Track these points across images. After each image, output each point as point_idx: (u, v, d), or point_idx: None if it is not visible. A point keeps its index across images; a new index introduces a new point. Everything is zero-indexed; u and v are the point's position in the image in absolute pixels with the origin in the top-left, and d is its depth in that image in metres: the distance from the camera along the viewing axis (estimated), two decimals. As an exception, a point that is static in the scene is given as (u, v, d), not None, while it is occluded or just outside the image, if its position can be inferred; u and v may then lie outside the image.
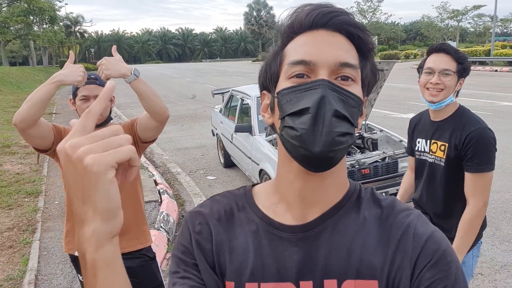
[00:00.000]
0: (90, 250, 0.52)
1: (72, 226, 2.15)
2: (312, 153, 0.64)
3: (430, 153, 2.05)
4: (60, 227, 4.71)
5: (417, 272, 0.66)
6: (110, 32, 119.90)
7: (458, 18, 71.02)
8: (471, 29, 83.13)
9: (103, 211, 0.51)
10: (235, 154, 6.31)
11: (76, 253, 2.12)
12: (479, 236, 2.00)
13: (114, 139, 0.51)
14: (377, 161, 4.58)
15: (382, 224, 0.72)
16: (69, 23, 76.65)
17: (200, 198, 5.65)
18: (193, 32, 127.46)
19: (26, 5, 40.83)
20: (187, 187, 6.20)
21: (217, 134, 7.43)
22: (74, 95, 2.04)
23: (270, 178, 4.70)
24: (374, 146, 5.12)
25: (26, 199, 5.71)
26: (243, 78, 29.28)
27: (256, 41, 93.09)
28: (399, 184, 2.78)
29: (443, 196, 2.02)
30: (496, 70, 28.84)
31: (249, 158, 5.44)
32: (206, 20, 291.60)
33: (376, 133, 5.37)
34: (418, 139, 2.14)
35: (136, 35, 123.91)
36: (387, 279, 0.68)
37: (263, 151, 5.00)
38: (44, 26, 49.14)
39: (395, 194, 3.72)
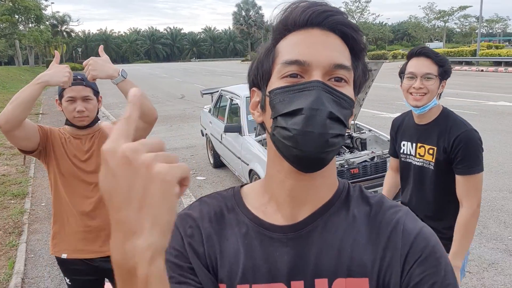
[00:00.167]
0: (144, 264, 0.45)
1: (60, 228, 2.11)
2: (305, 154, 0.64)
3: (418, 156, 2.06)
4: (47, 229, 4.65)
5: (407, 268, 0.67)
6: (97, 32, 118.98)
7: (444, 18, 72.00)
8: (458, 30, 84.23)
9: (165, 224, 0.45)
10: (224, 154, 6.30)
11: (63, 256, 2.09)
12: None
13: (170, 154, 0.48)
14: (366, 161, 4.61)
15: (371, 222, 0.72)
16: (56, 22, 75.74)
17: (189, 198, 5.62)
18: (182, 31, 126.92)
19: (11, 4, 40.22)
20: (176, 188, 6.16)
21: (206, 134, 7.40)
22: (60, 95, 2.00)
23: (260, 178, 4.69)
24: (363, 145, 5.15)
25: (12, 201, 5.62)
26: (232, 78, 29.24)
27: (245, 41, 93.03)
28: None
29: (434, 199, 2.04)
30: (482, 70, 29.26)
31: (239, 158, 5.43)
32: (195, 20, 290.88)
33: (365, 132, 5.40)
34: (403, 142, 2.15)
35: (124, 34, 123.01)
36: (377, 276, 0.68)
37: (252, 151, 4.99)
38: (30, 25, 48.51)
39: (384, 194, 3.73)
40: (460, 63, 34.65)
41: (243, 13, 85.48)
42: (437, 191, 2.02)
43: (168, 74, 40.92)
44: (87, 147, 2.07)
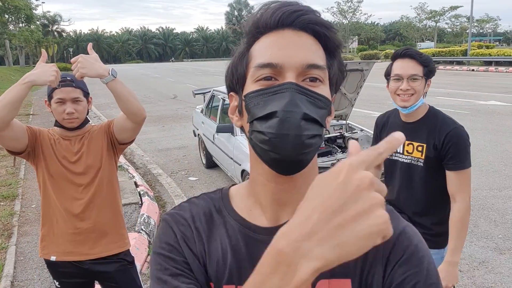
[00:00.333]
0: (309, 269, 0.44)
1: (48, 230, 2.09)
2: (282, 157, 0.64)
3: (406, 153, 2.09)
4: (37, 231, 4.59)
5: (389, 268, 0.67)
6: (89, 31, 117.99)
7: (435, 18, 72.53)
8: (449, 30, 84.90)
9: (347, 255, 0.44)
10: (217, 154, 6.28)
11: (52, 258, 2.07)
12: (446, 240, 2.07)
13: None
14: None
15: None
16: (46, 22, 75.23)
17: (181, 199, 5.60)
18: (174, 31, 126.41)
19: (0, 3, 39.81)
20: (169, 189, 6.14)
21: (198, 134, 7.38)
22: (50, 97, 1.98)
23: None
24: (355, 145, 5.17)
25: (1, 203, 5.55)
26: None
27: (238, 40, 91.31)
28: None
29: (424, 195, 2.07)
30: (473, 70, 29.53)
31: (231, 158, 5.42)
32: (187, 20, 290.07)
33: (357, 132, 5.42)
34: None
35: (115, 34, 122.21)
36: (360, 277, 0.68)
37: (245, 152, 4.98)
38: (20, 25, 48.06)
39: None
40: (451, 62, 34.94)
41: (236, 13, 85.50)
42: (426, 187, 2.05)
43: (160, 74, 40.76)
44: (77, 148, 2.05)
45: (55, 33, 79.60)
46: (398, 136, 0.47)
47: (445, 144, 1.94)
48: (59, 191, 2.03)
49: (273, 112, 0.63)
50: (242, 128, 0.74)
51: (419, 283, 0.64)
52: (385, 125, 2.24)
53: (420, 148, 2.02)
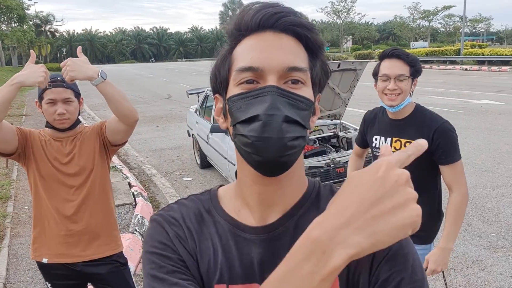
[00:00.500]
0: (345, 256, 0.48)
1: (40, 232, 2.07)
2: (265, 159, 0.65)
3: (394, 150, 2.14)
4: (30, 233, 4.56)
5: (375, 265, 0.67)
6: (82, 31, 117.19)
7: (429, 18, 72.86)
8: (442, 29, 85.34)
9: (382, 243, 0.49)
10: (211, 154, 6.27)
11: (44, 260, 2.05)
12: (432, 236, 2.18)
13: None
14: (352, 160, 4.63)
15: None
16: (39, 22, 74.73)
17: (176, 199, 5.58)
18: (168, 31, 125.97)
19: (-7, 3, 39.51)
20: (163, 189, 6.12)
21: (193, 134, 7.36)
22: (40, 97, 1.96)
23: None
24: (349, 145, 5.18)
25: (-6, 205, 5.50)
26: (219, 77, 29.07)
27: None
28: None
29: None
30: (466, 69, 29.70)
31: (225, 158, 5.41)
32: (181, 19, 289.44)
33: (351, 132, 5.43)
34: (375, 136, 2.25)
35: (109, 34, 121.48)
36: (347, 275, 0.68)
37: (239, 152, 4.97)
38: (13, 25, 47.69)
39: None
40: (444, 62, 35.13)
41: (230, 13, 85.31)
42: (415, 182, 2.06)
43: (154, 74, 40.63)
44: (68, 149, 2.03)
45: (48, 33, 79.11)
46: (422, 143, 0.54)
47: (435, 139, 1.99)
48: (51, 193, 2.01)
49: (255, 116, 0.64)
50: (227, 130, 0.75)
51: (404, 279, 0.65)
52: (373, 122, 2.30)
53: (407, 145, 2.03)
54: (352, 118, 8.87)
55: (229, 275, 0.72)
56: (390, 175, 0.49)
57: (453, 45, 43.80)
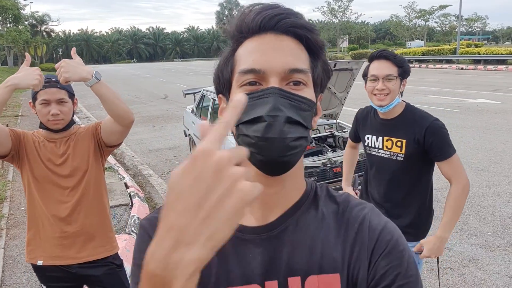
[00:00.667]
0: (183, 279, 0.43)
1: (35, 234, 2.06)
2: (268, 159, 0.66)
3: (385, 149, 2.20)
4: (26, 234, 4.54)
5: (373, 261, 0.70)
6: (78, 32, 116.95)
7: (425, 17, 73.01)
8: (438, 28, 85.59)
9: (220, 241, 0.43)
10: (207, 154, 6.24)
11: (39, 263, 2.03)
12: (424, 232, 2.22)
13: (250, 169, 0.47)
14: (348, 160, 4.62)
15: (340, 219, 0.75)
16: (35, 22, 74.43)
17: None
18: (165, 31, 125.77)
19: (-13, 4, 39.31)
20: (160, 190, 6.10)
21: (189, 134, 7.34)
22: (34, 98, 1.95)
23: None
24: (345, 144, 5.17)
25: (-11, 206, 5.48)
26: (215, 77, 29.04)
27: (229, 40, 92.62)
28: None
29: (403, 187, 2.18)
30: (462, 68, 29.80)
31: (222, 158, 5.38)
32: (178, 19, 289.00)
33: (347, 131, 5.42)
34: (367, 135, 2.30)
35: (105, 34, 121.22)
36: (347, 271, 0.71)
37: (235, 152, 4.96)
38: (8, 25, 47.46)
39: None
40: (440, 61, 35.22)
41: (226, 12, 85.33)
42: (405, 181, 2.18)
43: (151, 74, 40.55)
44: (62, 150, 2.02)
45: (44, 33, 78.77)
46: (237, 98, 0.47)
47: (427, 137, 2.04)
48: (45, 194, 2.00)
49: (258, 117, 0.65)
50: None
51: (400, 274, 0.69)
52: (364, 120, 2.35)
53: (399, 144, 2.13)
54: (349, 118, 8.86)
55: (226, 277, 0.72)
56: (208, 165, 0.42)
57: (449, 44, 43.91)
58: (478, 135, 8.44)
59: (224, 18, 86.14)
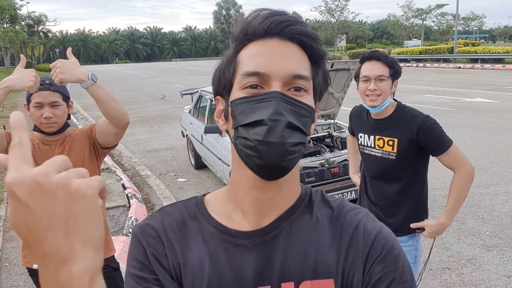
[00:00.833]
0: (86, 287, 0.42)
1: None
2: (266, 162, 0.66)
3: (377, 148, 2.23)
4: (22, 236, 4.51)
5: (368, 266, 0.70)
6: (75, 32, 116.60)
7: (422, 16, 73.10)
8: (435, 27, 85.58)
9: (97, 240, 0.42)
10: (205, 155, 6.24)
11: (34, 266, 2.02)
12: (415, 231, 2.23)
13: (79, 169, 0.45)
14: (346, 160, 4.61)
15: (334, 224, 0.75)
16: (32, 23, 74.19)
17: (170, 201, 5.55)
18: (162, 31, 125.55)
19: (-16, 4, 39.16)
20: (157, 190, 6.08)
21: (187, 135, 7.33)
22: (28, 100, 1.94)
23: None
24: (343, 144, 5.16)
25: (-14, 208, 5.45)
26: (213, 77, 29.02)
27: (226, 40, 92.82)
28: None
29: (395, 186, 2.20)
30: (459, 67, 29.86)
31: (220, 159, 5.38)
32: (175, 19, 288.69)
33: (345, 131, 5.41)
34: (360, 134, 2.34)
35: (103, 34, 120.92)
36: (342, 277, 0.70)
37: (233, 152, 4.95)
38: (4, 25, 47.30)
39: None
40: (438, 60, 35.30)
41: (224, 12, 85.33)
42: (399, 178, 2.20)
43: (148, 74, 40.49)
44: (57, 153, 2.00)
45: (41, 33, 78.52)
46: (14, 117, 0.45)
47: (420, 136, 2.06)
48: (40, 198, 1.98)
49: (259, 120, 0.65)
50: (227, 132, 0.76)
51: (395, 279, 0.69)
52: (358, 119, 2.39)
53: (390, 143, 2.15)
54: (347, 118, 8.86)
55: (218, 283, 0.71)
56: (26, 190, 0.40)
57: (447, 44, 44.01)
58: (475, 134, 8.45)
59: (222, 17, 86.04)
